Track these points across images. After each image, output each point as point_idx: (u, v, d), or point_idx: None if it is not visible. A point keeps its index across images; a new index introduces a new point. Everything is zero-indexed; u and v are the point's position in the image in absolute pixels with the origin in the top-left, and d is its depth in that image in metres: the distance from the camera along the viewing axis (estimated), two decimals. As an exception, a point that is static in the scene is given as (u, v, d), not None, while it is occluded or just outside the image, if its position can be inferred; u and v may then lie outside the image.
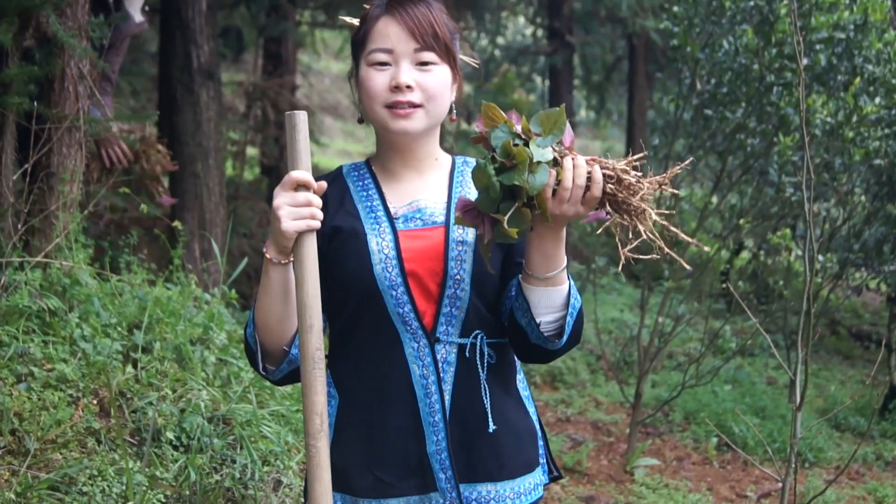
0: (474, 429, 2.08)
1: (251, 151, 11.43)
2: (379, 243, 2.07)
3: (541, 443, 2.23)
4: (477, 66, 2.28)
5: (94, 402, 3.53)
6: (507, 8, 14.25)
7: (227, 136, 9.66)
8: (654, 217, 1.85)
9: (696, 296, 7.57)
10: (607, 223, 1.90)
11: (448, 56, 2.11)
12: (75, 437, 3.34)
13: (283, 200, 1.94)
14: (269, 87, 10.46)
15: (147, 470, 3.36)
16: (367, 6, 2.15)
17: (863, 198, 6.31)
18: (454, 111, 2.17)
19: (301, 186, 1.96)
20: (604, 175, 1.84)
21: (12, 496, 2.99)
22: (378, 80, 2.08)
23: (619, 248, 1.86)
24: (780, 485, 3.92)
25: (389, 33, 2.08)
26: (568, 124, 1.87)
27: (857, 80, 5.13)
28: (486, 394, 2.08)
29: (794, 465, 3.76)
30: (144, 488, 3.25)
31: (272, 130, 10.38)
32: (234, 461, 3.65)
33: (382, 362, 2.09)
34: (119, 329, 3.87)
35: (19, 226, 3.91)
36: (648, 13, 11.50)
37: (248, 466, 3.63)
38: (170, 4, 6.98)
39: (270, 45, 11.19)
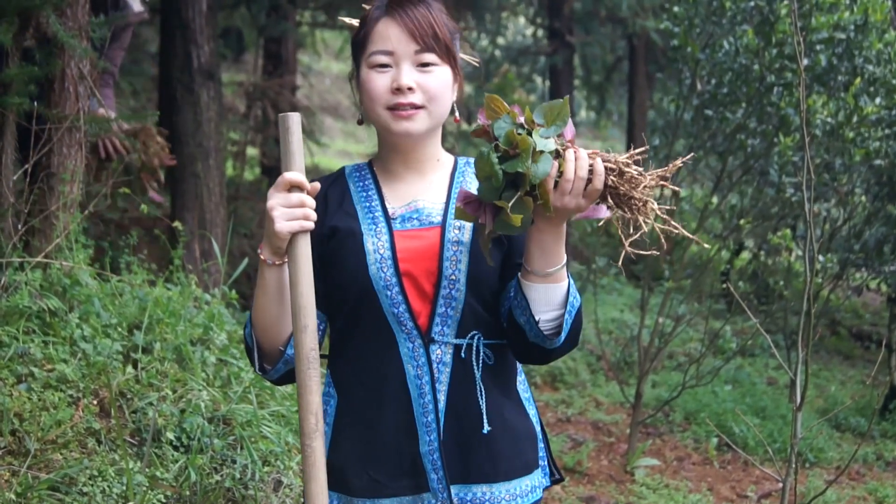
0: (469, 430, 2.08)
1: (251, 152, 11.44)
2: (375, 243, 2.07)
3: (541, 445, 2.22)
4: (477, 64, 2.28)
5: (95, 402, 3.53)
6: (508, 8, 14.25)
7: (227, 137, 9.66)
8: (656, 210, 1.85)
9: (697, 296, 7.57)
10: (607, 217, 1.90)
11: (449, 56, 2.11)
12: (75, 437, 3.34)
13: (277, 201, 1.95)
14: (270, 88, 10.46)
15: (147, 470, 3.36)
16: (367, 7, 2.15)
17: (863, 198, 6.31)
18: (456, 111, 2.17)
19: (294, 187, 1.96)
20: (605, 168, 1.84)
21: (12, 496, 2.99)
22: (379, 82, 2.08)
23: (622, 242, 1.86)
24: (780, 485, 3.91)
25: (390, 35, 2.08)
26: (570, 120, 1.87)
27: (858, 80, 5.13)
28: (481, 395, 2.08)
29: (794, 466, 3.76)
30: (145, 489, 3.25)
31: (272, 131, 10.38)
32: (234, 461, 3.64)
33: (379, 362, 2.09)
34: (119, 329, 3.87)
35: (19, 226, 3.91)
36: (649, 13, 11.50)
37: (248, 467, 3.63)
38: (170, 4, 6.98)
39: (271, 46, 11.19)
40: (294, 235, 1.96)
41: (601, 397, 7.24)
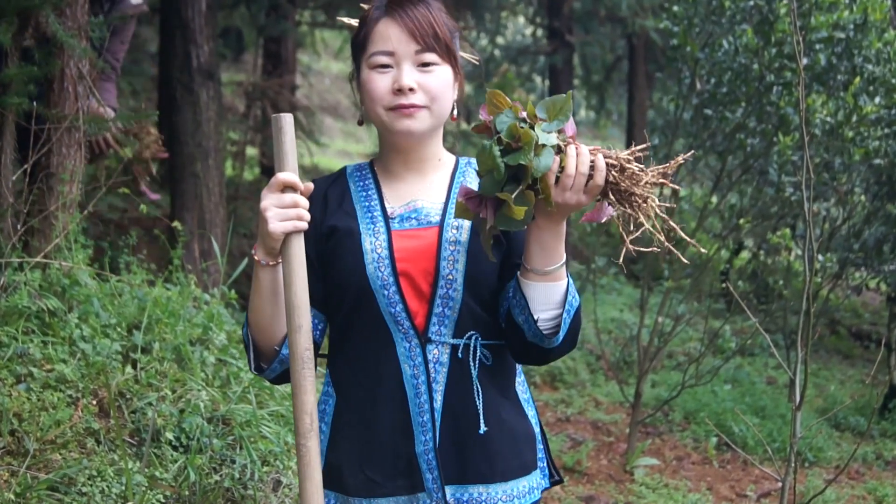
0: (465, 430, 2.08)
1: (251, 151, 11.44)
2: (372, 243, 2.07)
3: (540, 446, 2.22)
4: (477, 62, 2.28)
5: (94, 402, 3.52)
6: (507, 8, 14.25)
7: (226, 136, 9.67)
8: (657, 206, 1.85)
9: (696, 295, 7.57)
10: (608, 217, 1.89)
11: (449, 56, 2.11)
12: (75, 437, 3.33)
13: (270, 202, 1.95)
14: (269, 87, 10.47)
15: (146, 470, 3.36)
16: (365, 6, 2.15)
17: (862, 197, 6.31)
18: (455, 110, 2.17)
19: (288, 188, 1.96)
20: (607, 164, 1.85)
21: (11, 497, 2.99)
22: (380, 82, 2.08)
23: (622, 239, 1.86)
24: (779, 484, 3.91)
25: (390, 35, 2.07)
26: (571, 117, 1.87)
27: (857, 79, 5.13)
28: (478, 395, 2.08)
29: (793, 465, 3.76)
30: (144, 489, 3.25)
31: (271, 130, 10.37)
32: (233, 461, 3.64)
33: (376, 362, 2.09)
34: (118, 329, 3.87)
35: (19, 226, 3.91)
36: (648, 13, 11.50)
37: (247, 467, 3.63)
38: (169, 4, 6.98)
39: (270, 45, 11.20)
40: (288, 236, 1.96)
41: (601, 397, 7.24)
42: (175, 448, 3.58)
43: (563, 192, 1.85)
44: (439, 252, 2.06)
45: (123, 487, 3.19)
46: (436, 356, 2.07)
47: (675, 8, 5.76)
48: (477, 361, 2.08)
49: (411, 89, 2.06)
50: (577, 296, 2.03)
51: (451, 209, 2.09)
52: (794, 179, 5.61)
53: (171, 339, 3.98)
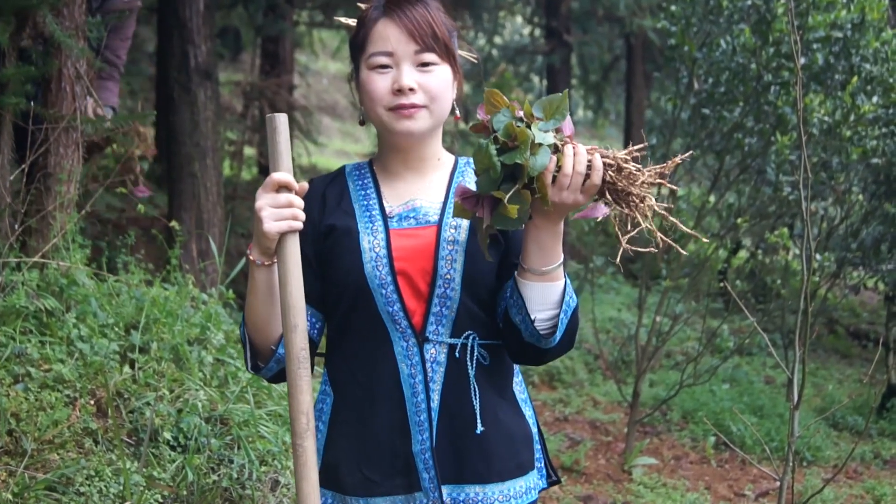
0: (462, 430, 2.07)
1: (248, 151, 11.44)
2: (371, 241, 2.07)
3: (537, 446, 2.22)
4: (476, 61, 2.28)
5: (92, 402, 3.52)
6: (505, 7, 14.25)
7: (224, 136, 9.67)
8: (654, 205, 1.84)
9: (694, 295, 7.57)
10: (605, 215, 1.89)
11: (448, 55, 2.11)
12: (72, 437, 3.33)
13: (265, 202, 1.95)
14: (267, 87, 10.47)
15: (144, 470, 3.36)
16: (363, 6, 2.15)
17: (860, 197, 6.32)
18: (456, 109, 2.17)
19: (283, 188, 1.96)
20: (604, 163, 1.84)
21: (9, 497, 2.99)
22: (380, 83, 2.08)
23: (618, 238, 1.86)
24: (777, 483, 3.92)
25: (389, 36, 2.07)
26: (569, 117, 1.87)
27: (855, 79, 5.13)
28: (475, 395, 2.08)
29: (791, 464, 3.77)
30: (142, 488, 3.25)
31: (266, 130, 10.37)
32: (231, 461, 3.64)
33: (373, 361, 2.09)
34: (116, 329, 3.87)
35: (16, 226, 3.91)
36: (646, 12, 11.50)
37: (245, 466, 3.63)
38: (167, 4, 6.98)
39: (268, 45, 11.20)
40: (283, 235, 1.96)
41: (599, 396, 7.24)
42: (173, 448, 3.58)
43: (559, 191, 1.85)
44: (437, 251, 2.06)
45: (121, 487, 3.19)
46: (433, 355, 2.07)
47: (673, 7, 5.76)
48: (474, 361, 2.08)
49: (411, 89, 2.06)
50: (574, 296, 2.03)
51: (450, 208, 2.09)
52: (791, 179, 5.61)
53: (169, 339, 3.98)
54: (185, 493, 3.41)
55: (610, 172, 1.84)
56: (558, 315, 1.99)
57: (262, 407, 3.99)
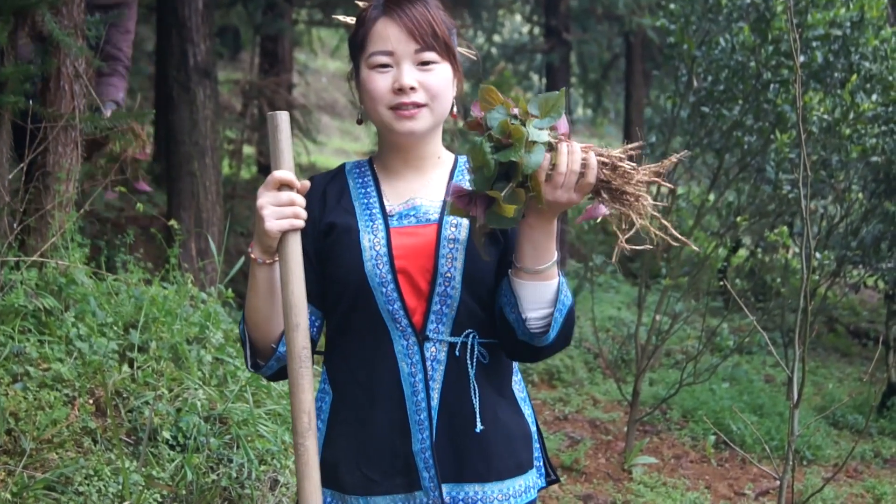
0: (462, 428, 2.07)
1: (248, 150, 11.44)
2: (371, 240, 2.06)
3: (536, 445, 2.21)
4: (475, 57, 2.27)
5: (91, 401, 3.52)
6: (504, 6, 14.24)
7: (223, 135, 9.66)
8: (649, 204, 1.83)
9: (694, 293, 7.57)
10: (604, 215, 1.88)
11: (448, 53, 2.11)
12: (71, 436, 3.33)
13: (267, 200, 1.95)
14: (266, 86, 10.47)
15: (143, 469, 3.35)
16: (361, 4, 2.14)
17: (860, 195, 6.31)
18: (454, 107, 2.17)
19: (284, 186, 1.96)
20: (599, 162, 1.83)
21: (8, 496, 2.99)
22: (380, 82, 2.07)
23: (618, 237, 1.85)
24: (778, 482, 3.91)
25: (389, 35, 2.07)
26: (565, 115, 1.86)
27: (854, 76, 5.12)
28: (475, 393, 2.07)
29: (791, 463, 3.76)
30: (141, 488, 3.25)
31: (268, 128, 10.36)
32: (230, 460, 3.64)
33: (373, 359, 2.09)
34: (115, 328, 3.87)
35: (15, 225, 3.91)
36: (645, 11, 11.49)
37: (244, 466, 3.62)
38: (166, 3, 6.98)
39: (267, 44, 11.20)
40: (284, 234, 1.95)
41: (598, 395, 7.24)
42: (172, 447, 3.57)
43: (554, 189, 1.84)
44: (438, 250, 2.06)
45: (120, 487, 3.19)
46: (433, 354, 2.07)
47: (672, 6, 5.76)
48: (475, 360, 2.08)
49: (412, 88, 2.06)
50: (569, 294, 2.02)
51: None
52: (791, 177, 5.60)
53: (168, 338, 3.98)
54: (184, 492, 3.41)
55: (605, 171, 1.83)
56: (552, 314, 1.98)
57: (262, 406, 3.99)
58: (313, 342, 2.12)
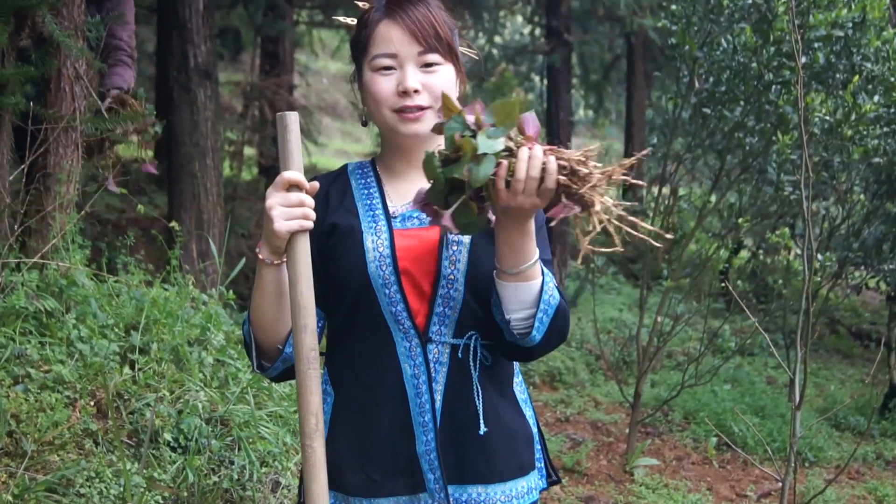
0: (465, 430, 2.06)
1: (248, 151, 11.44)
2: (374, 241, 2.06)
3: (538, 446, 2.21)
4: (476, 57, 2.26)
5: (92, 403, 3.52)
6: (505, 7, 14.24)
7: (224, 136, 9.67)
8: (602, 208, 1.78)
9: (695, 295, 7.56)
10: (574, 212, 1.83)
11: (451, 54, 2.10)
12: (73, 438, 3.33)
13: (276, 201, 1.94)
14: (267, 87, 10.47)
15: (145, 471, 3.35)
16: (361, 5, 2.14)
17: (862, 196, 6.30)
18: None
19: (293, 186, 1.95)
20: (558, 166, 1.81)
21: (9, 498, 2.98)
22: (384, 85, 2.07)
23: (580, 239, 1.81)
24: (779, 484, 3.91)
25: (392, 37, 2.06)
26: (533, 115, 1.82)
27: (856, 78, 5.11)
28: (478, 395, 2.07)
29: (793, 465, 3.76)
30: (142, 490, 3.24)
31: (269, 130, 10.38)
32: (232, 462, 3.63)
33: (376, 361, 2.08)
34: (116, 330, 3.87)
35: (16, 227, 3.90)
36: (646, 11, 11.49)
37: (246, 468, 3.62)
38: (167, 4, 6.98)
39: (268, 45, 11.20)
40: (293, 235, 1.95)
41: (600, 397, 7.23)
42: (173, 449, 3.57)
43: (514, 196, 1.81)
44: (441, 252, 2.05)
45: (122, 489, 3.18)
46: (436, 356, 2.06)
47: (674, 7, 5.75)
48: (477, 362, 2.07)
49: (416, 91, 2.05)
50: (556, 293, 2.00)
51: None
52: (793, 178, 5.59)
53: (169, 340, 3.97)
54: (185, 494, 3.41)
55: (563, 175, 1.80)
56: (535, 315, 1.96)
57: (263, 408, 3.98)
58: (314, 343, 2.12)
